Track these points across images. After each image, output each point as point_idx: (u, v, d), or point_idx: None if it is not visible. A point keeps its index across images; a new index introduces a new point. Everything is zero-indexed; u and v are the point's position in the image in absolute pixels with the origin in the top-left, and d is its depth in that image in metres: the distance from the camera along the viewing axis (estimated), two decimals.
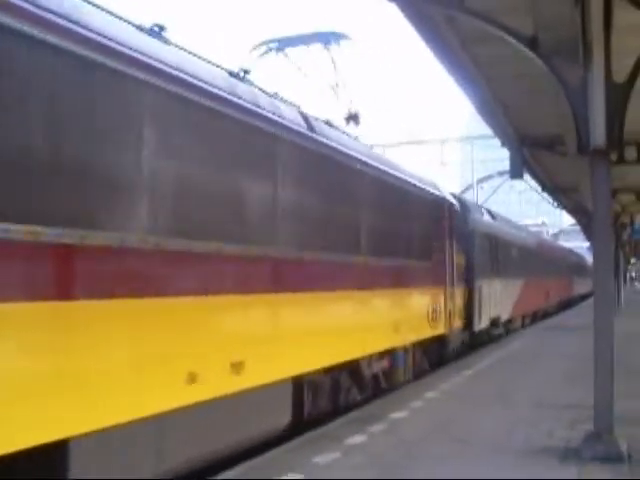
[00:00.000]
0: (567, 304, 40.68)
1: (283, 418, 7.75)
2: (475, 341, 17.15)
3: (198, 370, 5.80)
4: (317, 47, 10.22)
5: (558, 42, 6.79)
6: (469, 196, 39.30)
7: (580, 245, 62.27)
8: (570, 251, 48.72)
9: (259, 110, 7.09)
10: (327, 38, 10.25)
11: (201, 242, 6.04)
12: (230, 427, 6.64)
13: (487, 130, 15.16)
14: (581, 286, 48.68)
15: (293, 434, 7.99)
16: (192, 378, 5.72)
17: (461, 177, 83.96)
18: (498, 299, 19.78)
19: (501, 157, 16.70)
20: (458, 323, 14.73)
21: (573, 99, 6.93)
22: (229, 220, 6.52)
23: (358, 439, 7.62)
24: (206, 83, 6.21)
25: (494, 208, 24.76)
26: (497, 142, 15.33)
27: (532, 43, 6.93)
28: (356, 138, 10.28)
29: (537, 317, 30.36)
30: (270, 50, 9.96)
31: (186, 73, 5.94)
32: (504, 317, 21.05)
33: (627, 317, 25.96)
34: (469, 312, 16.03)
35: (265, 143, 7.17)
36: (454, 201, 15.14)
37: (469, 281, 16.27)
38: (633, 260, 64.67)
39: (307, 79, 10.26)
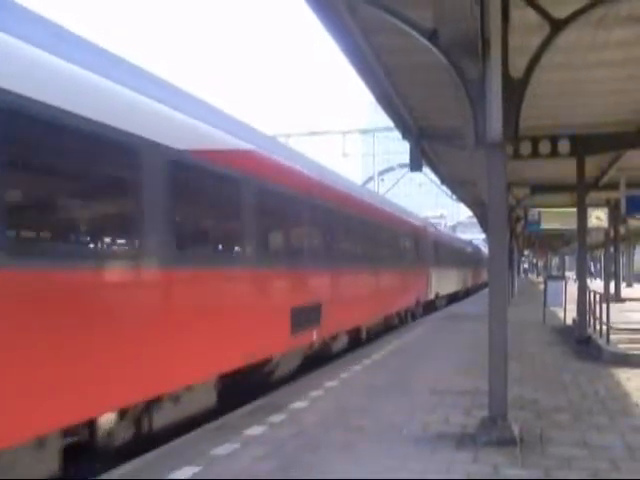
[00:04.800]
0: (470, 291, 44.96)
1: None
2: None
3: None
4: None
5: (458, 36, 6.89)
6: (370, 188, 39.83)
7: (477, 237, 64.15)
8: (470, 243, 50.69)
9: None
10: None
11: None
12: None
13: (389, 122, 15.31)
14: (481, 276, 51.63)
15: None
16: None
17: (363, 169, 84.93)
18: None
19: (403, 149, 17.16)
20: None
21: (471, 93, 7.07)
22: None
23: (258, 430, 7.58)
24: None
25: (395, 200, 26.38)
26: (399, 134, 15.50)
27: (432, 36, 7.02)
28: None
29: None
30: None
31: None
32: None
33: (521, 306, 26.92)
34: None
35: None
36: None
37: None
38: (526, 252, 67.06)
39: None
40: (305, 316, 11.33)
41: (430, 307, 27.78)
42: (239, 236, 9.19)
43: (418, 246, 24.18)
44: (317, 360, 13.00)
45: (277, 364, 10.85)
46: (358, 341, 16.23)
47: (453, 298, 36.15)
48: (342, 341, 14.79)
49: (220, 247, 9.19)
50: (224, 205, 8.93)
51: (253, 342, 9.33)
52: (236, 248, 9.30)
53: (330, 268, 13.16)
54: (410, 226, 23.31)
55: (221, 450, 6.76)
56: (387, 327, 19.74)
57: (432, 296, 27.54)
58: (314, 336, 11.90)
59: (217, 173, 8.43)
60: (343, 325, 14.37)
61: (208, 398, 8.80)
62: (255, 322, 9.39)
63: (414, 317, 23.94)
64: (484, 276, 50.82)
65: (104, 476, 6.23)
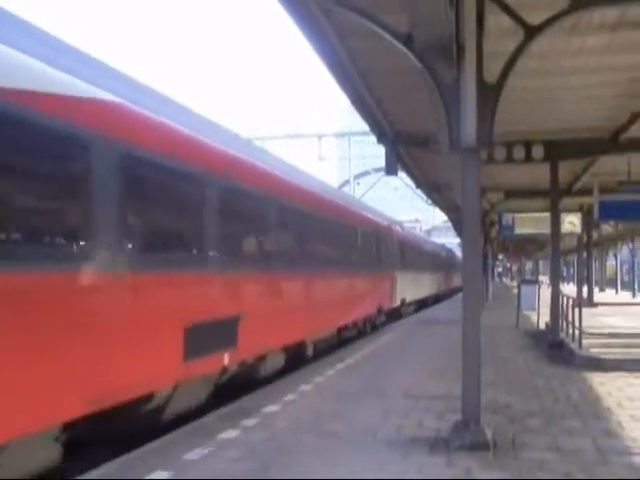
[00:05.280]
0: (441, 297, 43.56)
1: None
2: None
3: None
4: None
5: (433, 40, 6.91)
6: (346, 191, 39.89)
7: (451, 241, 64.48)
8: (443, 247, 50.65)
9: None
10: None
11: None
12: None
13: (365, 126, 15.32)
14: (452, 280, 51.10)
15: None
16: None
17: (339, 172, 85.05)
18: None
19: (379, 153, 17.16)
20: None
21: (446, 97, 7.09)
22: None
23: (231, 434, 7.53)
24: None
25: (370, 204, 26.06)
26: (375, 138, 15.52)
27: (407, 40, 7.03)
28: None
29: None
30: None
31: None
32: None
33: (495, 311, 27.07)
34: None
35: None
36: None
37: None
38: (500, 256, 67.55)
39: None
40: (210, 335, 8.66)
41: (395, 315, 25.53)
42: (87, 222, 6.47)
43: (381, 247, 21.62)
44: (240, 387, 10.54)
45: (167, 399, 8.34)
46: (303, 358, 13.77)
47: (422, 304, 34.11)
48: (276, 361, 12.09)
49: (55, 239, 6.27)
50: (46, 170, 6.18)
51: (107, 379, 6.65)
52: (81, 242, 6.38)
53: (254, 271, 10.45)
54: (371, 224, 20.64)
55: (193, 455, 6.70)
56: (342, 340, 17.20)
57: (397, 303, 25.08)
58: (226, 360, 9.23)
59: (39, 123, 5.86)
60: (275, 341, 11.57)
61: (47, 456, 6.42)
62: (112, 350, 6.70)
63: (375, 327, 21.43)
64: (456, 281, 50.57)
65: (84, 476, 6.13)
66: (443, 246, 51.94)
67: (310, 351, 14.23)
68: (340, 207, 17.03)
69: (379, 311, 21.49)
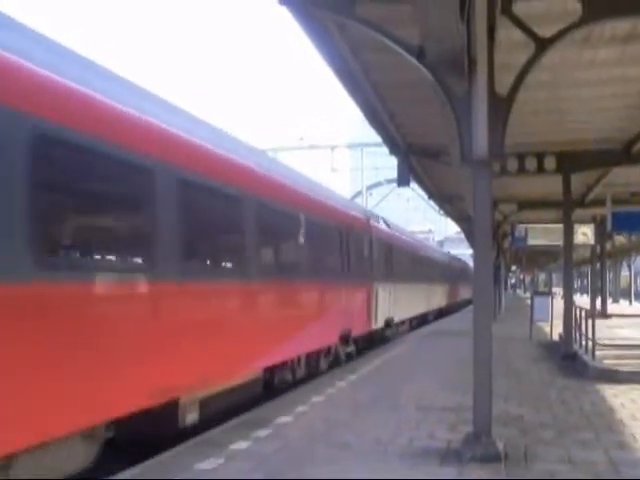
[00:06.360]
0: (453, 308, 41.64)
1: None
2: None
3: None
4: None
5: (444, 54, 6.95)
6: (359, 203, 39.95)
7: (463, 252, 64.35)
8: (448, 254, 49.41)
9: None
10: None
11: None
12: None
13: (377, 137, 15.39)
14: (462, 291, 49.36)
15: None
16: None
17: (352, 184, 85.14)
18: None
19: (392, 164, 16.54)
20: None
21: (457, 110, 7.13)
22: None
23: (243, 444, 7.56)
24: None
25: (383, 215, 25.02)
26: (387, 149, 15.58)
27: (419, 54, 7.08)
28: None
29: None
30: None
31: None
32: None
33: (507, 322, 26.98)
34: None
35: None
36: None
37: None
38: (514, 268, 67.36)
39: None
40: None
41: (381, 339, 20.07)
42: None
43: (350, 248, 15.65)
44: None
45: None
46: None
47: (423, 321, 29.69)
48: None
49: None
50: None
51: None
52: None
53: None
54: (332, 214, 14.71)
55: (206, 465, 6.74)
56: (275, 387, 11.31)
57: (380, 324, 19.11)
58: None
59: None
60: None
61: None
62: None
63: (337, 361, 14.99)
64: (464, 293, 48.67)
65: None
66: (448, 253, 50.25)
67: (190, 419, 8.19)
68: (263, 178, 10.73)
69: (344, 338, 15.39)
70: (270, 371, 11.05)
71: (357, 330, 16.47)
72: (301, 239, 12.20)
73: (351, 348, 16.12)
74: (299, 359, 12.54)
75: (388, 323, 20.47)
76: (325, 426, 8.49)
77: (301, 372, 12.66)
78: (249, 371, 10.12)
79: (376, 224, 19.72)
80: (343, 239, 15.32)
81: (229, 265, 9.85)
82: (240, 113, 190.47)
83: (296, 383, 12.15)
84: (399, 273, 22.50)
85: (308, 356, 13.01)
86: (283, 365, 11.61)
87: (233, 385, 9.51)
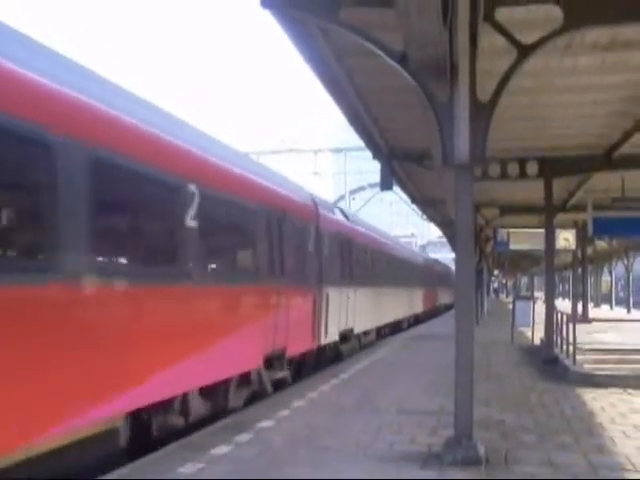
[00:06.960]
0: (426, 316, 38.77)
1: None
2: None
3: None
4: None
5: (427, 59, 6.97)
6: (342, 206, 39.99)
7: (445, 256, 64.58)
8: (424, 255, 48.48)
9: None
10: None
11: None
12: None
13: (360, 141, 15.42)
14: (437, 298, 46.25)
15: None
16: None
17: (335, 188, 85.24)
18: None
19: (376, 169, 15.81)
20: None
21: (440, 115, 7.16)
22: None
23: (224, 449, 7.54)
24: None
25: (366, 219, 24.71)
26: (370, 153, 15.60)
27: (402, 59, 7.12)
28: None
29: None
30: None
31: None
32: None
33: (490, 327, 27.07)
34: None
35: None
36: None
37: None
38: (496, 272, 67.62)
39: None
40: None
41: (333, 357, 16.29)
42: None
43: (284, 240, 11.97)
44: None
45: None
46: None
47: (396, 329, 27.27)
48: None
49: None
50: None
51: None
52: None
53: None
54: (255, 192, 10.83)
55: (186, 469, 6.72)
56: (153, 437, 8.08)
57: (333, 338, 15.66)
58: None
59: None
60: None
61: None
62: None
63: (258, 394, 11.03)
64: (443, 297, 47.53)
65: None
66: (423, 254, 49.05)
67: None
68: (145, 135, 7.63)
69: (274, 359, 11.71)
70: (146, 414, 7.86)
71: (295, 347, 12.67)
72: (192, 222, 8.30)
73: (283, 373, 12.13)
74: (191, 394, 8.79)
75: (345, 336, 17.06)
76: (306, 430, 8.47)
77: (200, 411, 9.15)
78: (88, 420, 6.40)
79: (327, 213, 16.02)
80: (272, 228, 11.45)
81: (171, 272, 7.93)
82: (225, 116, 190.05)
83: (195, 426, 8.80)
84: (363, 275, 19.21)
85: (210, 389, 9.24)
86: (168, 404, 8.19)
87: (59, 444, 6.19)
